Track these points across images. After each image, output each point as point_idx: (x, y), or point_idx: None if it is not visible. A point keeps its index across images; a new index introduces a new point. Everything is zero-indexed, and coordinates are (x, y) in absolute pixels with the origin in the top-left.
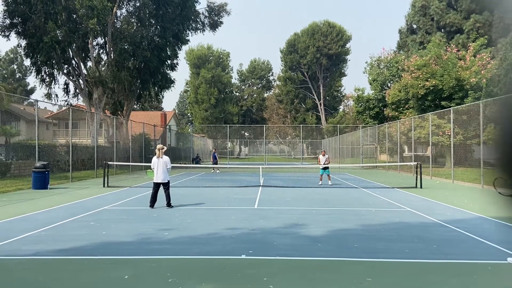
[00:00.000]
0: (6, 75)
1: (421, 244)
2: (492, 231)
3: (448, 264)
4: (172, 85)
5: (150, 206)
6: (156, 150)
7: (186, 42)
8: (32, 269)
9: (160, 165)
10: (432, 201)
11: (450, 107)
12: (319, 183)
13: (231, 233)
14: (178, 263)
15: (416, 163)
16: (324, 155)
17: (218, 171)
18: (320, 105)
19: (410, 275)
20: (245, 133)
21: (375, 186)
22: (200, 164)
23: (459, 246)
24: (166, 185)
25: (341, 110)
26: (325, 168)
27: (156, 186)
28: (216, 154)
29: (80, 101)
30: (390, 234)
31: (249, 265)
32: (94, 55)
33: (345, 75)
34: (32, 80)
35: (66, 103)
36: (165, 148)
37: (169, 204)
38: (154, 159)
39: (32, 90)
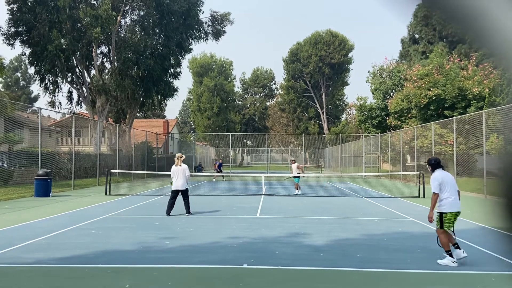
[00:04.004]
0: (10, 83)
1: (424, 254)
2: (495, 241)
3: (451, 274)
4: (175, 93)
5: (167, 214)
6: (175, 159)
7: (189, 50)
8: (33, 277)
9: (180, 173)
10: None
11: (452, 116)
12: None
13: (232, 242)
14: (179, 272)
15: (418, 172)
16: (293, 164)
17: (214, 179)
18: (323, 114)
19: (413, 286)
20: (248, 142)
21: (377, 196)
22: (202, 172)
23: None
24: (185, 193)
25: (343, 119)
26: (296, 177)
27: (175, 193)
28: (221, 164)
29: (83, 109)
30: (393, 244)
31: (250, 274)
32: (98, 63)
33: (348, 84)
34: (36, 88)
35: (69, 111)
36: (184, 156)
37: (188, 211)
38: (173, 167)
39: (35, 98)
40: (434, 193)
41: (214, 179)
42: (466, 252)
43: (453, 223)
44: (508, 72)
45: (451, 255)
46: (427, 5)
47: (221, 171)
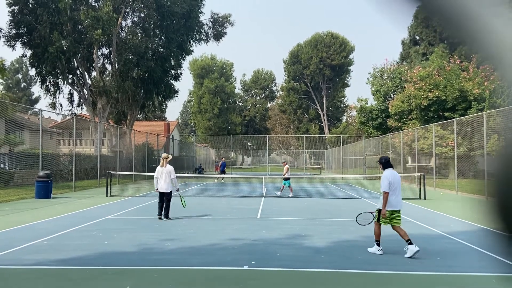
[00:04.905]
0: (11, 85)
1: (424, 256)
2: (496, 242)
3: (452, 276)
4: (175, 95)
5: (158, 216)
6: (161, 159)
7: (190, 52)
8: (34, 279)
9: (164, 175)
10: (436, 213)
11: (453, 118)
12: (279, 194)
13: (233, 243)
14: (180, 274)
15: (419, 174)
16: (285, 165)
17: (216, 180)
18: (323, 116)
19: (413, 287)
20: (248, 143)
21: (378, 197)
22: (202, 173)
23: (463, 258)
24: (168, 196)
25: (344, 120)
26: (286, 179)
27: (161, 195)
28: (224, 163)
29: (84, 111)
30: (393, 246)
31: (251, 276)
32: (99, 65)
33: (348, 86)
34: (36, 89)
35: (70, 112)
36: (170, 157)
37: (166, 216)
38: (158, 168)
39: (36, 100)
40: (384, 192)
41: (216, 180)
42: (466, 253)
43: (394, 219)
44: (505, 77)
45: (378, 245)
46: (424, 11)
47: (224, 172)
